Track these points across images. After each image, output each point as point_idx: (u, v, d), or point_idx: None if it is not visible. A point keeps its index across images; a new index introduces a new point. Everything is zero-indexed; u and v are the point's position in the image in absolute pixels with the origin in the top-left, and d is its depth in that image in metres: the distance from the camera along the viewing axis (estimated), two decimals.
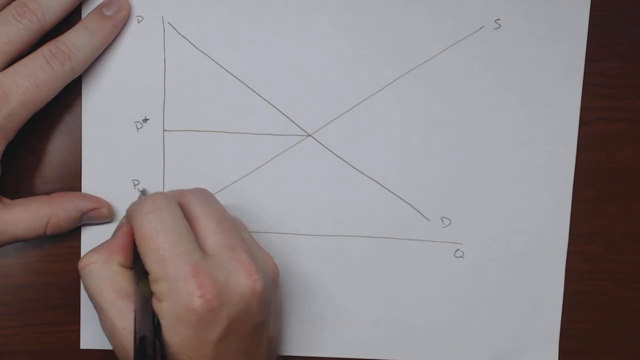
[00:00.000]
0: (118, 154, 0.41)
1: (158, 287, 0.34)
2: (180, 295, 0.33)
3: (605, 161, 0.43)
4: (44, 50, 0.37)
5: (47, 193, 0.41)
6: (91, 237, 0.42)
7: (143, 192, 0.40)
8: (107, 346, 0.42)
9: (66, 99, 0.41)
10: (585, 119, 0.43)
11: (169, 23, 0.41)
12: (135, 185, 0.42)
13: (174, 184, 0.42)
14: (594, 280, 0.44)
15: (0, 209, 0.38)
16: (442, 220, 0.43)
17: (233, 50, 0.41)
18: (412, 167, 0.42)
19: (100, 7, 0.39)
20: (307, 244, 0.42)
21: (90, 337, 0.43)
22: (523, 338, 0.44)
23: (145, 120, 0.41)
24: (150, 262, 0.34)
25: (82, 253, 0.42)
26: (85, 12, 0.40)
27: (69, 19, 0.39)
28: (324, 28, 0.41)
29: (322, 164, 0.42)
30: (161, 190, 0.42)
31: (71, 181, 0.42)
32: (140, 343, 0.34)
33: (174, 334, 0.34)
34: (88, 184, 0.41)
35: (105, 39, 0.39)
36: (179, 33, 0.41)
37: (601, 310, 0.44)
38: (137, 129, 0.41)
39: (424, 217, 0.43)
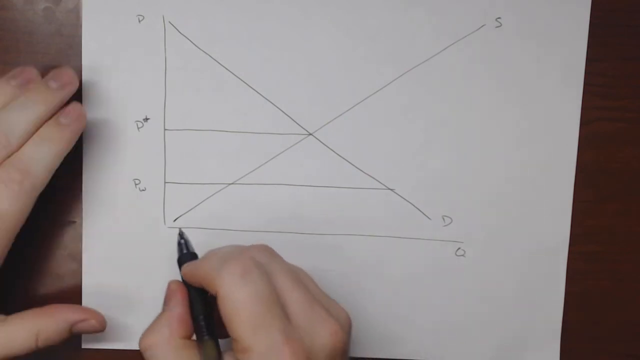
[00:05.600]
0: (119, 154, 0.41)
1: (247, 358, 0.31)
2: None
3: (605, 161, 0.43)
4: (1, 173, 0.35)
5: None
6: (92, 237, 0.42)
7: (181, 235, 0.37)
8: (109, 346, 0.42)
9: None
10: (585, 119, 0.43)
11: (169, 22, 0.41)
12: (136, 184, 0.42)
13: (175, 184, 0.42)
14: (594, 280, 0.44)
15: None
16: (443, 219, 0.43)
17: (234, 49, 0.41)
18: (413, 166, 0.42)
19: (57, 115, 0.37)
20: (308, 242, 0.42)
21: (92, 336, 0.42)
22: (524, 337, 0.44)
23: (146, 119, 0.41)
24: (240, 331, 0.31)
25: (83, 253, 0.42)
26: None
27: None
28: (325, 26, 0.41)
29: (323, 162, 0.42)
30: (162, 192, 0.42)
31: (71, 180, 0.42)
32: None
33: None
34: (88, 184, 0.41)
35: (64, 147, 0.37)
36: (179, 32, 0.41)
37: (601, 310, 0.44)
38: (138, 128, 0.41)
39: (425, 215, 0.43)
